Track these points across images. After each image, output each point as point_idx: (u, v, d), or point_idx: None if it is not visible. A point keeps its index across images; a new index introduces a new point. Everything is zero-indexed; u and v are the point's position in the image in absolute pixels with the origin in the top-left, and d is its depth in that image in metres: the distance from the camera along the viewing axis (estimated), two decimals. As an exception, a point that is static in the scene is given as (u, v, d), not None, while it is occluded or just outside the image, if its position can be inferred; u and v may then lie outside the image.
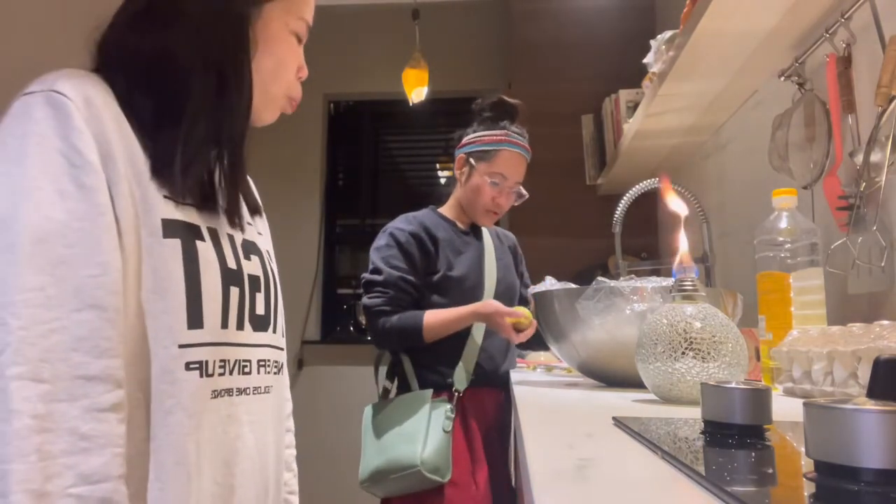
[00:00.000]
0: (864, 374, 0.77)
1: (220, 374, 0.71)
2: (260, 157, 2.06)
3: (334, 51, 3.64)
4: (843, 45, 1.17)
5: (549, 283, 1.30)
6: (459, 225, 1.79)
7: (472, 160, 1.73)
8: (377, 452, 1.57)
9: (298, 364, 3.46)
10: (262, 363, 0.78)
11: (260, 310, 0.79)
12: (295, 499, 0.96)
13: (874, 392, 0.44)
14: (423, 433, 1.54)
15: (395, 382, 1.73)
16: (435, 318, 1.63)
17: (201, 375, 0.69)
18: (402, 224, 1.73)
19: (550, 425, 0.68)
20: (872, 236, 1.03)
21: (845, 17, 1.15)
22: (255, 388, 0.77)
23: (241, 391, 0.74)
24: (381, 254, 1.69)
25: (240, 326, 0.74)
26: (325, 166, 3.71)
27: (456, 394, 1.63)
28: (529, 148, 1.77)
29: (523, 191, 1.77)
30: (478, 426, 1.65)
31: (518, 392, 1.04)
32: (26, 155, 0.63)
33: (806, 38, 1.33)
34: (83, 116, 0.65)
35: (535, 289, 1.25)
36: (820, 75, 1.25)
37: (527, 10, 2.91)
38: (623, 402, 0.85)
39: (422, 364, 1.68)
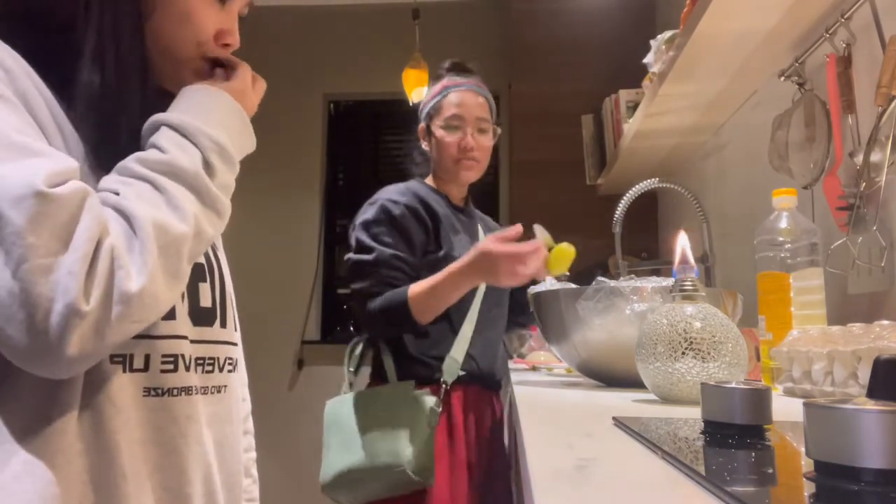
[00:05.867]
0: (864, 374, 0.77)
1: (162, 372, 0.65)
2: (260, 157, 2.06)
3: (334, 51, 3.64)
4: (843, 45, 1.17)
5: (549, 283, 1.30)
6: (452, 200, 1.64)
7: (427, 124, 1.65)
8: (346, 451, 1.40)
9: (298, 364, 3.45)
10: (201, 361, 0.71)
11: (206, 302, 0.72)
12: None
13: (874, 392, 0.44)
14: (407, 430, 1.38)
15: (369, 373, 1.59)
16: (420, 287, 1.40)
17: (125, 370, 0.63)
18: (395, 195, 1.54)
19: (550, 425, 0.68)
20: (872, 236, 1.03)
21: (845, 17, 1.15)
22: (197, 388, 0.69)
23: (184, 390, 0.67)
24: (370, 230, 1.49)
25: (171, 316, 0.66)
26: (325, 166, 3.71)
27: (443, 387, 1.45)
28: (482, 84, 1.65)
29: (496, 128, 1.63)
30: (464, 424, 1.50)
31: (518, 392, 1.03)
32: None
33: (806, 38, 1.33)
34: (2, 80, 0.60)
35: (535, 289, 1.25)
36: (820, 75, 1.25)
37: (527, 11, 2.91)
38: (623, 402, 0.85)
39: (403, 354, 1.50)
